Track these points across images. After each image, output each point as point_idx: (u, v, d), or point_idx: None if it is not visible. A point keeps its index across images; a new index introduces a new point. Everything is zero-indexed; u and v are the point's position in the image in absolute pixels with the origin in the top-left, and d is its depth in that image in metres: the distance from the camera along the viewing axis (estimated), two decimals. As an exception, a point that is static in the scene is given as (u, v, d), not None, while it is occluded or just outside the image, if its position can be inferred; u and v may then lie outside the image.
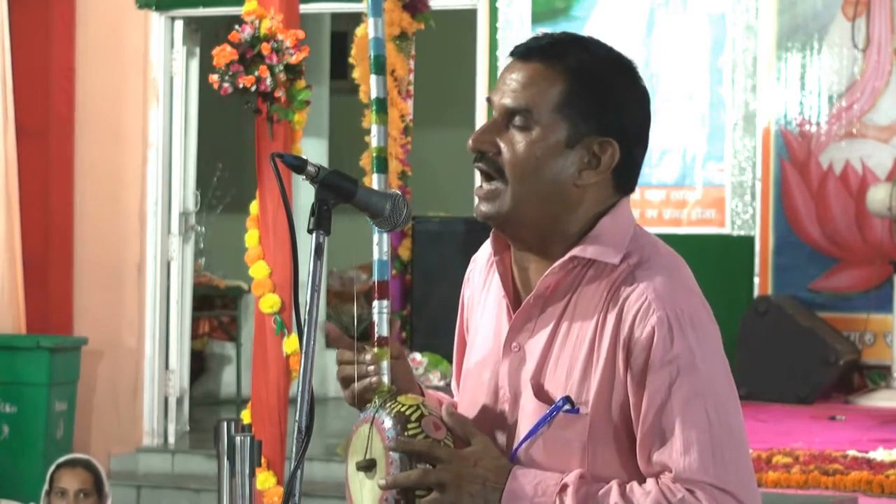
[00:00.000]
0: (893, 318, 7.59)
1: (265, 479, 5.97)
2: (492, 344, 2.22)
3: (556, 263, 2.13)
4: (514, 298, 2.21)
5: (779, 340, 7.57)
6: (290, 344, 6.07)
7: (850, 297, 7.95)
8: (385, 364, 2.20)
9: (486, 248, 2.31)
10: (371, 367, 2.19)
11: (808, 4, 8.03)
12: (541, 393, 2.12)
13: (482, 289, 2.30)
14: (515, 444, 2.12)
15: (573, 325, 2.12)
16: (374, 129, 2.27)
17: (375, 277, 2.26)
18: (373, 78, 2.25)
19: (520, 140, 2.12)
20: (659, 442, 2.04)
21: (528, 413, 2.12)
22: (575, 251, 2.13)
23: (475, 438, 2.10)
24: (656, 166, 8.25)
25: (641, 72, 2.28)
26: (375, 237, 2.27)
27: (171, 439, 8.74)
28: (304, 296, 2.13)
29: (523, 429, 2.13)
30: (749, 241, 8.07)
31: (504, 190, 2.13)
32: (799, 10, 8.05)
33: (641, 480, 2.06)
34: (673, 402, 2.04)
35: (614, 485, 2.04)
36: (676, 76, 8.17)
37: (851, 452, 5.92)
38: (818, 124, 8.02)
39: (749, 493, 2.05)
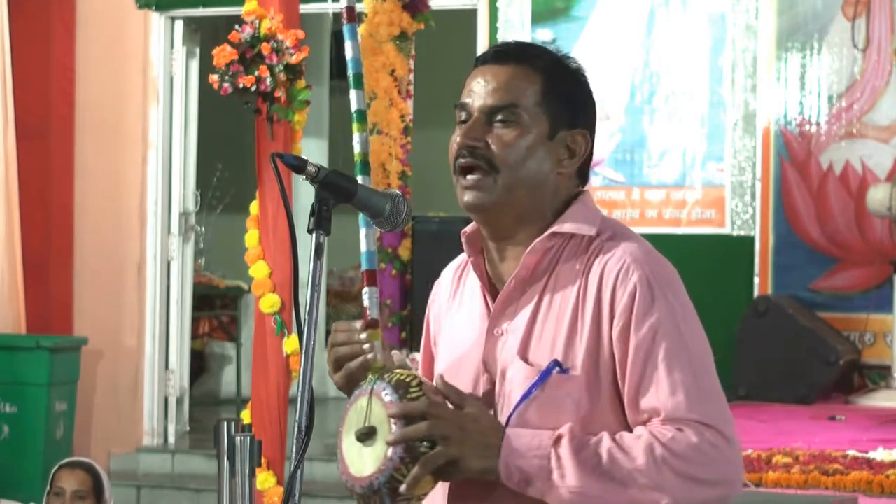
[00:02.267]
0: (893, 318, 7.58)
1: (265, 479, 5.97)
2: (470, 338, 2.35)
3: (537, 241, 2.28)
4: (492, 292, 2.34)
5: (779, 340, 7.57)
6: (290, 344, 6.07)
7: (850, 297, 7.95)
8: (378, 344, 2.30)
9: (451, 269, 2.49)
10: (366, 346, 2.29)
11: (808, 4, 8.03)
12: (529, 362, 2.25)
13: (451, 300, 2.45)
14: (509, 410, 2.23)
15: (554, 298, 2.27)
16: (356, 136, 2.39)
17: (364, 267, 2.35)
18: (352, 92, 2.39)
19: (507, 133, 2.28)
20: (647, 389, 2.18)
21: (518, 382, 2.24)
22: (554, 227, 2.29)
23: (469, 402, 2.21)
24: (656, 166, 8.25)
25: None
26: (363, 231, 2.35)
27: (171, 439, 8.74)
28: (304, 296, 2.14)
29: (514, 398, 2.24)
30: (749, 241, 8.07)
31: (494, 179, 2.27)
32: (799, 10, 8.04)
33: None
34: (658, 351, 2.19)
35: (605, 434, 2.18)
36: (676, 76, 8.17)
37: (851, 452, 5.92)
38: (818, 124, 8.02)
39: (731, 429, 2.20)
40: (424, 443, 2.12)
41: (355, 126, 2.40)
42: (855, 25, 7.98)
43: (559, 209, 2.32)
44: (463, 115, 2.32)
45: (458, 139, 2.29)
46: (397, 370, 2.22)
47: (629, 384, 2.20)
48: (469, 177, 2.28)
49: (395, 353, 2.37)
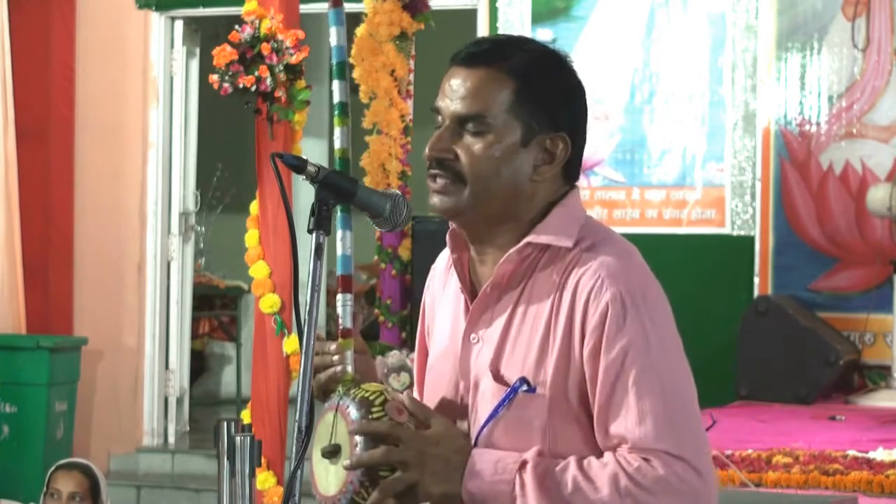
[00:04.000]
0: (893, 318, 7.58)
1: (265, 479, 5.97)
2: (449, 340, 2.28)
3: (512, 251, 2.19)
4: (473, 294, 2.26)
5: (779, 340, 7.56)
6: (290, 344, 6.07)
7: (850, 297, 7.94)
8: (349, 354, 2.25)
9: (444, 258, 2.39)
10: (335, 357, 2.24)
11: (808, 4, 8.03)
12: (498, 377, 2.17)
13: (441, 292, 2.36)
14: (477, 429, 2.16)
15: (528, 310, 2.18)
16: (337, 131, 2.32)
17: (339, 272, 2.31)
18: (335, 83, 2.32)
19: (476, 144, 2.18)
20: (615, 414, 2.09)
21: (488, 398, 2.17)
22: (529, 238, 2.19)
23: (435, 421, 2.15)
24: (656, 166, 8.24)
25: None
26: (339, 233, 2.30)
27: (171, 439, 8.74)
28: (304, 296, 2.14)
29: (483, 414, 2.17)
30: (749, 241, 8.07)
31: (462, 188, 2.19)
32: (799, 10, 8.04)
33: (601, 456, 2.11)
34: (627, 375, 2.09)
35: (572, 460, 2.09)
36: (676, 76, 8.17)
37: (851, 452, 5.91)
38: (818, 124, 8.02)
39: (701, 460, 2.09)
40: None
41: (336, 120, 2.34)
42: (855, 25, 7.98)
43: (538, 214, 2.21)
44: (438, 119, 2.24)
45: (426, 149, 2.21)
46: (364, 385, 2.16)
47: (598, 408, 2.10)
48: (439, 181, 2.21)
49: (394, 353, 2.35)
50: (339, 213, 2.25)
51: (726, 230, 8.11)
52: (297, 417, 2.10)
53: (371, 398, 2.12)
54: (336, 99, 2.33)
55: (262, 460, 5.44)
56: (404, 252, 7.87)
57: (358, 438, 2.08)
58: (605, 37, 8.28)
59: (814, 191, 8.00)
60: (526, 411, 2.13)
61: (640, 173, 8.26)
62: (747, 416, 6.83)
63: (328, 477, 2.13)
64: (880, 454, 5.89)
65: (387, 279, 7.83)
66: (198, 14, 8.89)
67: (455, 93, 2.19)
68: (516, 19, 8.37)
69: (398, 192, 2.26)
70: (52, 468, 5.25)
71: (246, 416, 6.14)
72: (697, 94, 8.17)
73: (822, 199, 7.99)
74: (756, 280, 8.04)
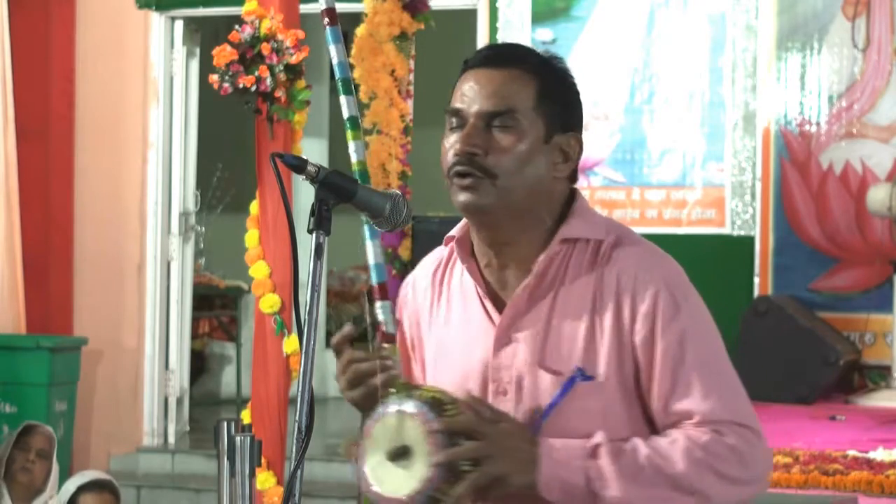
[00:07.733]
0: (893, 318, 7.59)
1: (265, 479, 5.97)
2: (471, 346, 2.31)
3: (550, 247, 2.26)
4: (492, 297, 2.31)
5: (779, 340, 7.57)
6: (290, 344, 6.07)
7: (850, 297, 7.95)
8: (398, 359, 2.28)
9: (426, 272, 2.46)
10: (389, 361, 2.27)
11: (808, 4, 8.03)
12: (551, 370, 2.23)
13: (434, 306, 2.40)
14: (531, 420, 2.22)
15: (567, 305, 2.25)
16: (352, 145, 2.35)
17: (374, 280, 2.31)
18: (342, 98, 2.35)
19: (506, 140, 2.24)
20: (678, 392, 2.20)
21: (540, 391, 2.24)
22: (564, 233, 2.27)
23: (503, 417, 2.20)
24: (656, 166, 8.25)
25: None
26: (369, 243, 2.32)
27: (171, 439, 8.74)
28: (304, 296, 2.14)
29: (538, 406, 2.23)
30: (749, 241, 8.07)
31: (490, 184, 2.23)
32: (799, 10, 8.04)
33: (648, 435, 2.22)
34: (686, 355, 2.21)
35: (638, 440, 2.19)
36: (676, 76, 8.17)
37: (851, 452, 5.92)
38: (818, 124, 8.02)
39: (758, 423, 2.24)
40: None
41: (349, 134, 2.36)
42: (855, 25, 7.98)
43: (556, 213, 2.30)
44: (455, 122, 2.28)
45: (458, 146, 2.24)
46: (424, 387, 2.20)
47: (659, 389, 2.22)
48: (465, 178, 2.24)
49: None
50: (364, 224, 2.27)
51: (726, 230, 8.12)
52: (297, 417, 2.10)
53: (439, 397, 2.16)
54: (346, 114, 2.36)
55: (262, 460, 5.45)
56: (404, 252, 7.87)
57: (438, 436, 2.10)
58: (605, 37, 8.28)
59: (814, 191, 8.00)
60: (584, 399, 2.22)
61: (640, 173, 8.27)
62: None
63: (395, 478, 2.14)
64: (880, 454, 5.89)
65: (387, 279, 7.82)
66: (198, 14, 8.89)
67: (480, 92, 2.26)
68: (516, 19, 8.37)
69: (398, 192, 2.26)
70: (74, 487, 5.21)
71: (246, 416, 6.14)
72: (697, 94, 8.18)
73: (822, 199, 7.99)
74: (756, 280, 8.04)
